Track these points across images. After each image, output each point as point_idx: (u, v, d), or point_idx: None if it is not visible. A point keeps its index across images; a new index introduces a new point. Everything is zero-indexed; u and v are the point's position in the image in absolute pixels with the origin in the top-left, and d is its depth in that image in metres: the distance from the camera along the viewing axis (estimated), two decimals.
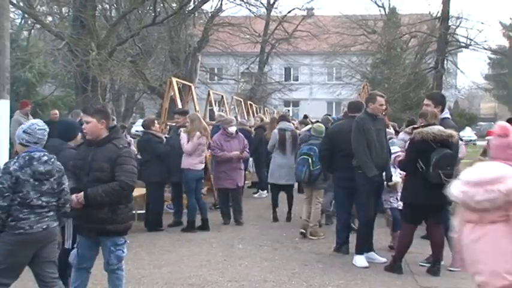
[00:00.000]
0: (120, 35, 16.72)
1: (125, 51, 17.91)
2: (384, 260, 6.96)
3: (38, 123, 4.67)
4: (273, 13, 32.60)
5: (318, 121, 10.85)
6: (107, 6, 19.11)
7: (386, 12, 33.06)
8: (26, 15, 17.11)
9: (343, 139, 7.13)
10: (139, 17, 18.23)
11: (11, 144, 9.99)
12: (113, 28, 15.71)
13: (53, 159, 4.58)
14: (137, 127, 27.37)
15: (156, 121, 9.81)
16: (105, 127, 4.86)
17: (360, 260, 6.87)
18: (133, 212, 4.95)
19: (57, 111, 13.57)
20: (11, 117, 10.10)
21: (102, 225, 4.76)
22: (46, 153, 4.56)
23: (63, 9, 17.81)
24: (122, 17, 15.78)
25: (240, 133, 9.94)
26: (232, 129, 9.64)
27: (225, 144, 9.46)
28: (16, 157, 4.50)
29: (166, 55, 22.78)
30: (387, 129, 8.12)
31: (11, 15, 14.34)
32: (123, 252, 4.96)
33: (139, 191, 9.92)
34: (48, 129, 4.72)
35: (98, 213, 4.73)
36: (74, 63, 13.94)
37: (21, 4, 15.52)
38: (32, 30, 17.89)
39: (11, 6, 11.93)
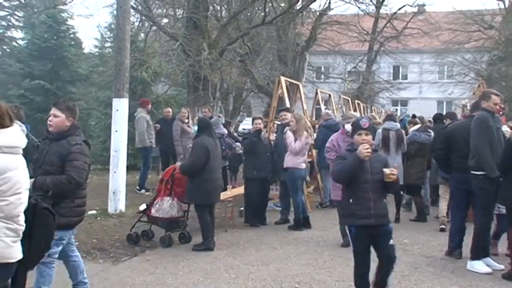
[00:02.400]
0: (230, 35, 17.11)
1: (235, 50, 18.32)
2: (502, 267, 6.56)
3: None
4: (382, 10, 31.82)
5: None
6: (218, 7, 19.63)
7: (506, 6, 31.17)
8: (143, 18, 18.00)
9: (462, 139, 6.84)
10: (249, 17, 18.55)
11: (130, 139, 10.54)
12: (224, 28, 16.13)
13: None
14: (244, 125, 27.86)
15: (256, 119, 9.96)
16: (71, 124, 4.93)
17: (478, 266, 6.53)
18: (83, 208, 4.98)
19: (170, 109, 14.13)
20: (129, 114, 10.68)
21: None
22: None
23: (177, 11, 18.55)
24: (232, 17, 16.15)
25: None
26: None
27: (343, 145, 7.43)
28: None
29: (274, 54, 23.00)
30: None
31: (131, 18, 15.12)
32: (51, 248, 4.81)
33: (239, 190, 10.15)
34: None
35: None
36: (187, 63, 14.47)
37: (139, 8, 16.37)
38: (149, 32, 18.74)
39: (132, 10, 12.66)
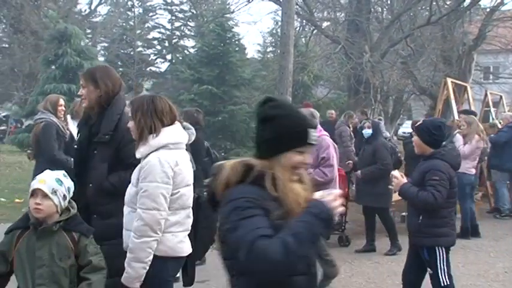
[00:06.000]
0: (392, 37, 16.77)
1: (396, 52, 17.91)
2: None
3: None
4: None
5: None
6: (380, 8, 19.32)
7: None
8: (304, 23, 18.33)
9: None
10: (412, 17, 18.02)
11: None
12: (386, 30, 15.87)
13: None
14: (404, 128, 27.10)
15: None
16: None
17: None
18: None
19: (333, 112, 14.14)
20: None
21: None
22: None
23: (337, 14, 18.62)
24: (395, 18, 15.84)
25: None
26: None
27: None
28: None
29: (438, 55, 22.02)
30: None
31: None
32: None
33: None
34: None
35: None
36: (349, 66, 14.46)
37: (301, 12, 16.71)
38: (311, 37, 19.02)
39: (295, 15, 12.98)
